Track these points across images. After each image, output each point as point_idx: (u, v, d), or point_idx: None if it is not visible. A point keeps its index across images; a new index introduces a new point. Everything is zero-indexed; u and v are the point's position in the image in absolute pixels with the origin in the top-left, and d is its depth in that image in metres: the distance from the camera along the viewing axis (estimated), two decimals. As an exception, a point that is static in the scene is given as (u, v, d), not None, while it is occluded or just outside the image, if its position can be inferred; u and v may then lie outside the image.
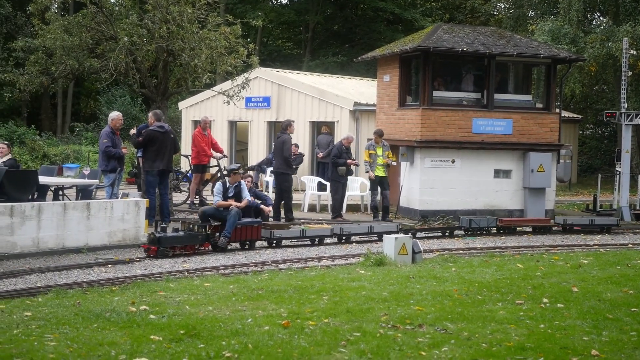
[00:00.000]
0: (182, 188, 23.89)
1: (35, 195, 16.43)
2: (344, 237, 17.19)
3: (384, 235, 14.77)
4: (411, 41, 22.59)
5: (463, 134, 21.65)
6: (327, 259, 14.86)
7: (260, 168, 25.90)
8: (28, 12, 42.20)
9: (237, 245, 15.84)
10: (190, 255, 14.71)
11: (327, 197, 22.72)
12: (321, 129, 27.27)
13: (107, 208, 15.65)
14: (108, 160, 18.17)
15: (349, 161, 21.25)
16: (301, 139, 27.90)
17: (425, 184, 21.56)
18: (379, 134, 21.28)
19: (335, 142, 26.33)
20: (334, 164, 21.19)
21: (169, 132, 18.24)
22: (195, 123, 29.88)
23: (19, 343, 7.68)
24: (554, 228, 19.81)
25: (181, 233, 14.79)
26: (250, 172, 23.95)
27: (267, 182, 25.05)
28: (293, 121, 21.51)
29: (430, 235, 18.47)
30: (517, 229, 19.60)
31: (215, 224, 15.69)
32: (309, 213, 22.34)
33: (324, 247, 16.54)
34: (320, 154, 26.39)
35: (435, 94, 21.79)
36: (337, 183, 21.24)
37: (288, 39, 55.54)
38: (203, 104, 31.21)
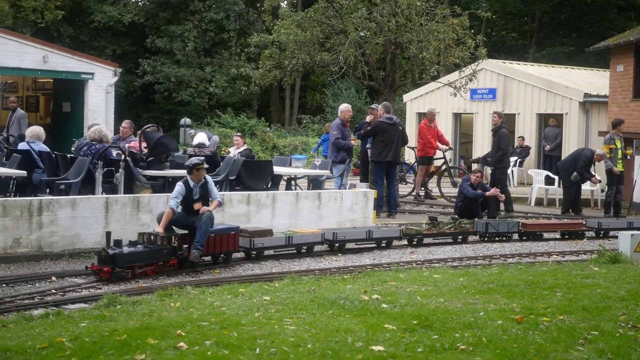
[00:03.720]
0: (407, 180, 24.06)
1: (269, 185, 17.09)
2: (336, 244, 14.19)
3: (619, 233, 14.22)
4: (648, 29, 21.60)
5: None
6: (557, 255, 14.53)
7: (485, 161, 25.58)
8: (261, 8, 44.09)
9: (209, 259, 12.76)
10: (153, 276, 11.67)
11: (554, 191, 22.12)
12: (549, 122, 26.60)
13: (337, 198, 16.05)
14: (338, 152, 18.62)
15: (592, 179, 20.12)
16: (527, 132, 27.34)
17: (662, 179, 20.56)
18: (617, 123, 20.06)
19: (559, 135, 25.74)
20: (580, 174, 19.64)
21: (398, 124, 18.43)
22: (419, 115, 29.99)
23: (260, 325, 8.02)
24: (587, 233, 17.07)
25: (140, 248, 11.60)
26: (475, 165, 23.83)
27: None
28: None
29: (440, 241, 15.82)
30: (544, 234, 16.69)
31: (182, 232, 12.42)
32: (536, 207, 21.85)
33: (552, 242, 16.16)
34: (548, 147, 25.76)
35: (674, 84, 20.72)
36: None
37: (513, 30, 54.40)
38: (427, 96, 31.23)
